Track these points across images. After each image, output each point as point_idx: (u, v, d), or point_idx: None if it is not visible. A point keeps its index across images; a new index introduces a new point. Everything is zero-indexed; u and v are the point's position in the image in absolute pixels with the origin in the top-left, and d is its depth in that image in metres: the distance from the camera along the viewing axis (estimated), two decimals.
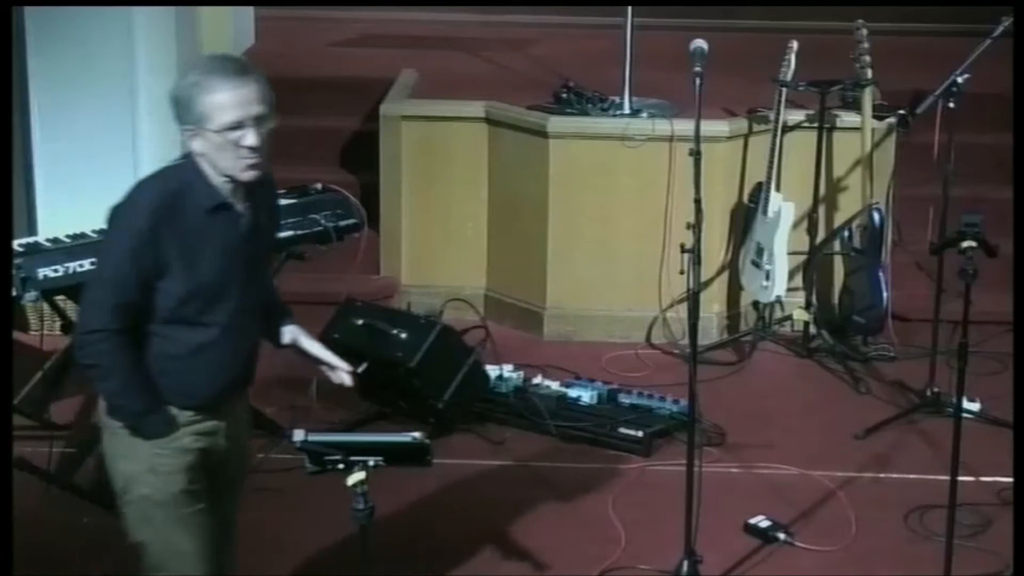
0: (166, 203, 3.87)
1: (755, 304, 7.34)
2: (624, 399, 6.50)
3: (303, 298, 6.70)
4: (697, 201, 5.12)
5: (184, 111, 3.87)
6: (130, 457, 3.99)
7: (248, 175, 3.87)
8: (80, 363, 3.96)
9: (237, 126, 3.81)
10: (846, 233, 7.08)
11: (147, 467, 3.98)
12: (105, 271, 3.92)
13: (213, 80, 3.82)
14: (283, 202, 5.96)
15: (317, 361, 4.26)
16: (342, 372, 4.23)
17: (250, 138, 3.82)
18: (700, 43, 5.33)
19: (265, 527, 5.53)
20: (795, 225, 7.13)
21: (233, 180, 3.88)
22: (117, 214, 3.93)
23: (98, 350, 3.88)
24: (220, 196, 3.90)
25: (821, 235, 7.21)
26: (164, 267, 3.86)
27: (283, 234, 5.89)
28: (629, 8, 7.31)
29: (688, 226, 5.07)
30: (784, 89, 6.96)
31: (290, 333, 4.24)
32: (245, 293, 3.98)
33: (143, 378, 3.94)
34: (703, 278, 5.55)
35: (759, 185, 7.09)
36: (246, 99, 3.82)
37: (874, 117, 7.04)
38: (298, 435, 3.75)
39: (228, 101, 3.81)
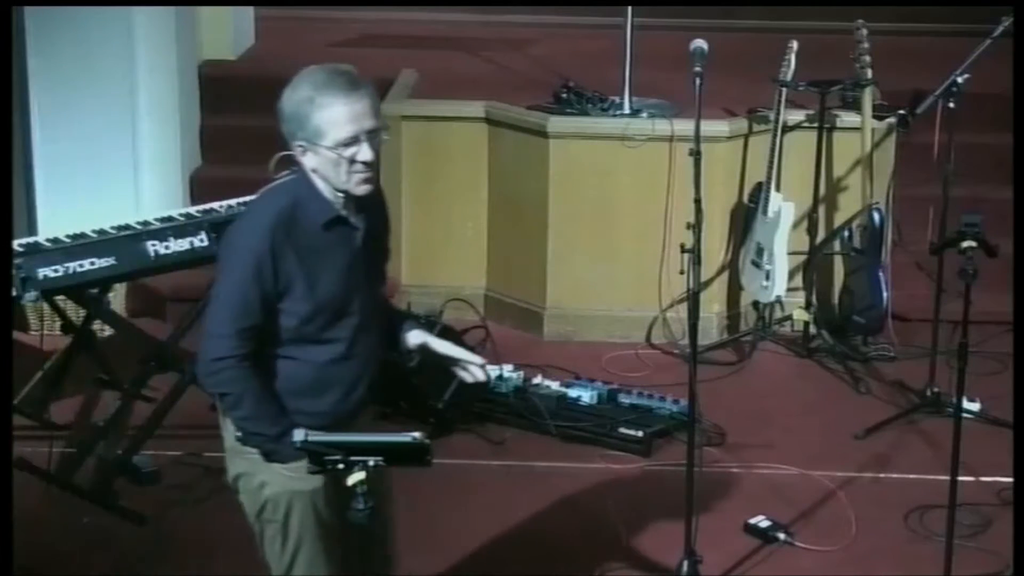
0: (283, 221, 3.80)
1: (755, 304, 7.34)
2: (624, 399, 6.50)
3: None
4: (697, 201, 5.12)
5: (297, 127, 3.80)
6: (271, 483, 3.96)
7: (362, 189, 3.82)
8: (209, 391, 3.91)
9: (352, 142, 3.75)
10: (846, 233, 7.08)
11: (287, 490, 3.95)
12: (227, 296, 3.83)
13: (326, 95, 3.74)
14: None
15: (450, 361, 4.12)
16: (475, 368, 4.10)
17: (365, 153, 3.77)
18: (700, 43, 5.33)
19: None
20: (795, 225, 7.13)
21: (347, 195, 3.83)
22: (235, 237, 3.86)
23: (227, 378, 3.83)
24: (334, 210, 3.85)
25: (821, 235, 7.21)
26: (286, 287, 3.81)
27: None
28: (629, 8, 7.31)
29: (688, 226, 5.07)
30: (784, 89, 6.96)
31: (416, 336, 4.11)
32: (365, 307, 3.92)
33: (273, 401, 3.89)
34: (703, 278, 5.55)
35: (759, 185, 7.09)
36: (359, 114, 3.75)
37: (874, 117, 7.04)
38: (298, 435, 3.74)
39: (342, 117, 3.74)
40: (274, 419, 3.90)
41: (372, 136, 3.77)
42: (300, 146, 3.81)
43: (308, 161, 3.81)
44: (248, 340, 3.82)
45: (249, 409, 3.89)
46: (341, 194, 3.84)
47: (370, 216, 3.93)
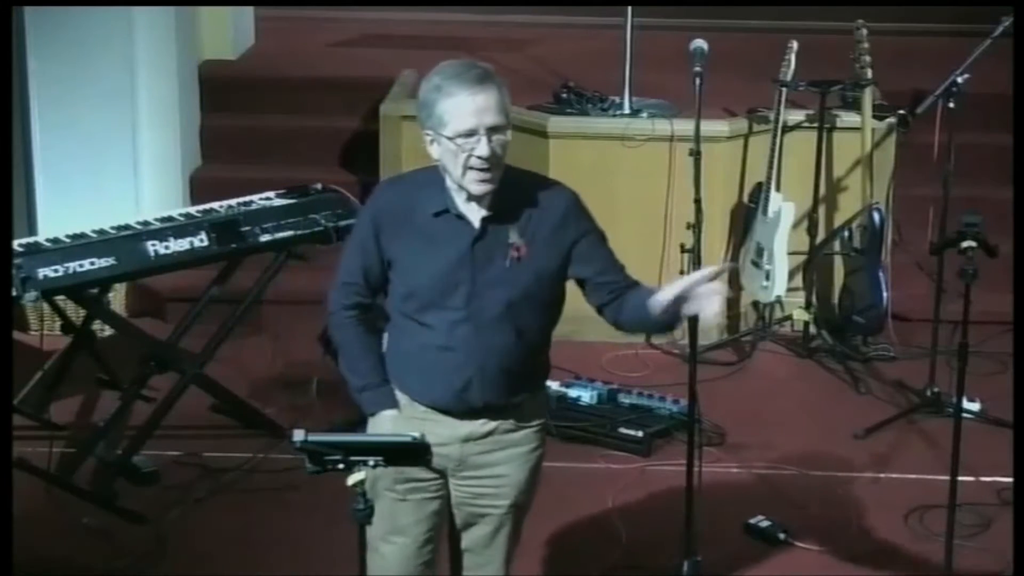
0: (396, 201, 3.94)
1: (755, 304, 7.34)
2: (624, 399, 6.50)
3: (303, 298, 6.73)
4: (697, 201, 5.13)
5: (425, 115, 3.85)
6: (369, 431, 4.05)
7: (478, 188, 3.82)
8: None
9: (470, 134, 3.78)
10: (846, 233, 7.07)
11: None
12: (344, 252, 4.07)
13: (452, 85, 3.78)
14: (283, 202, 5.97)
15: (683, 299, 3.88)
16: (711, 299, 3.86)
17: (482, 148, 3.78)
18: (700, 43, 5.34)
19: (265, 527, 5.54)
20: (795, 225, 7.13)
21: (465, 190, 3.84)
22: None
23: (332, 323, 4.07)
24: (448, 202, 3.88)
25: (821, 235, 7.20)
26: (389, 261, 3.94)
27: (283, 234, 5.90)
28: (629, 8, 7.30)
29: (688, 226, 5.08)
30: (784, 89, 6.96)
31: (658, 301, 3.89)
32: (471, 306, 3.89)
33: (367, 356, 4.03)
34: None
35: (759, 185, 7.09)
36: (482, 107, 3.78)
37: (874, 117, 7.04)
38: (298, 435, 3.74)
39: (464, 108, 3.77)
40: (361, 373, 4.04)
41: (493, 133, 3.80)
42: (427, 134, 3.87)
43: (433, 151, 3.87)
44: (354, 295, 4.01)
45: (344, 357, 4.08)
46: (460, 188, 3.86)
47: (516, 222, 3.89)
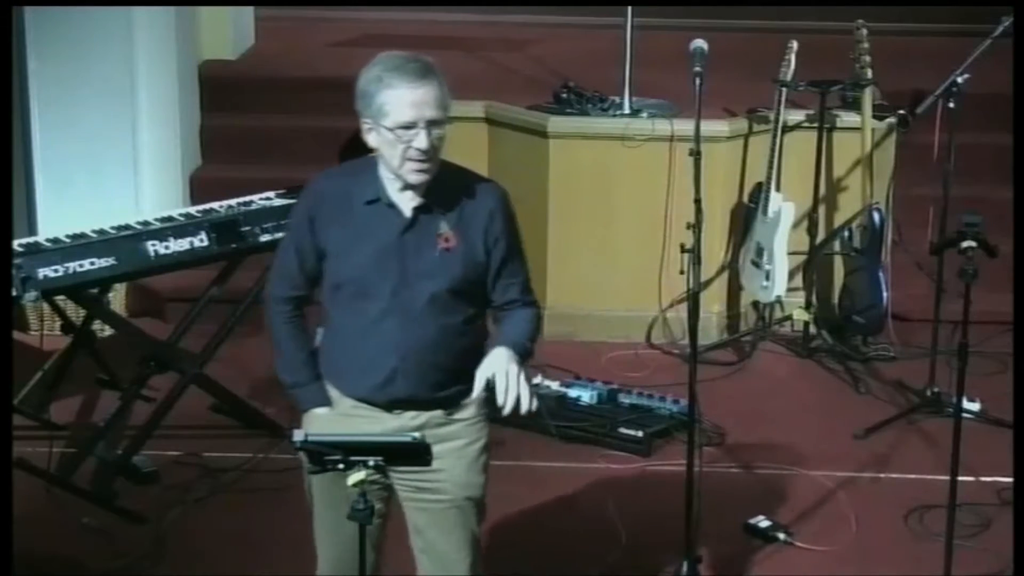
0: (331, 190, 4.00)
1: (755, 304, 7.34)
2: (624, 399, 6.50)
3: None
4: (697, 201, 5.12)
5: (364, 104, 3.88)
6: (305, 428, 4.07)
7: (415, 177, 3.87)
8: None
9: (409, 126, 3.81)
10: (846, 233, 7.08)
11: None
12: (280, 244, 4.17)
13: (394, 77, 3.82)
14: (283, 202, 5.96)
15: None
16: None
17: (420, 140, 3.82)
18: (700, 43, 5.33)
19: (265, 527, 5.54)
20: (795, 225, 7.13)
21: (402, 181, 3.89)
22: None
23: (268, 314, 4.13)
24: (380, 190, 3.93)
25: (821, 235, 7.20)
26: (323, 252, 3.98)
27: (283, 234, 5.88)
28: (629, 8, 7.30)
29: (688, 226, 5.07)
30: (784, 89, 6.96)
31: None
32: (398, 297, 3.93)
33: (299, 353, 4.09)
34: (703, 278, 5.55)
35: (759, 185, 7.09)
36: (422, 101, 3.81)
37: (874, 117, 7.04)
38: (298, 435, 3.75)
39: (404, 100, 3.81)
40: (293, 369, 4.11)
41: (432, 126, 3.83)
42: (366, 123, 3.90)
43: (371, 140, 3.90)
44: (290, 287, 4.07)
45: (276, 350, 4.14)
46: (397, 179, 3.90)
47: (446, 213, 3.93)
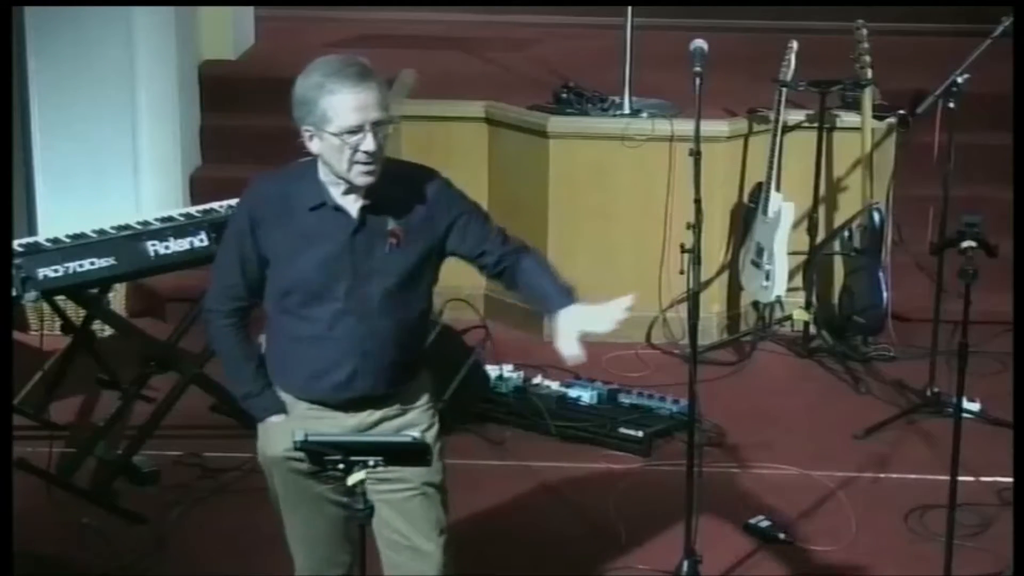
0: (271, 198, 3.99)
1: (755, 304, 7.34)
2: (624, 399, 6.50)
3: None
4: (697, 201, 5.12)
5: (306, 112, 3.86)
6: (259, 445, 4.13)
7: (363, 180, 3.87)
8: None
9: (356, 130, 3.81)
10: (846, 233, 7.07)
11: (262, 453, 4.14)
12: (219, 254, 4.13)
13: (334, 83, 3.81)
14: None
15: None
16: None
17: (368, 143, 3.82)
18: (700, 43, 5.33)
19: (265, 527, 5.53)
20: (795, 225, 7.13)
21: (348, 183, 3.89)
22: (237, 202, 4.10)
23: (211, 330, 4.12)
24: (324, 195, 3.92)
25: (821, 235, 7.20)
26: (265, 259, 3.96)
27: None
28: (629, 8, 7.30)
29: (688, 226, 5.08)
30: (784, 89, 6.96)
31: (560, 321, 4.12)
32: (353, 297, 3.94)
33: (248, 363, 4.09)
34: (703, 278, 5.55)
35: (759, 185, 7.09)
36: (366, 104, 3.82)
37: (874, 117, 7.04)
38: (298, 435, 3.75)
39: (349, 105, 3.81)
40: (244, 380, 4.11)
41: (377, 128, 3.84)
42: (307, 131, 3.88)
43: (314, 146, 3.89)
44: (229, 298, 4.05)
45: (225, 363, 4.17)
46: (343, 181, 3.89)
47: (390, 210, 3.94)
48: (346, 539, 4.17)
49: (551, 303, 4.14)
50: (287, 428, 4.00)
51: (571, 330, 4.10)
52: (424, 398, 4.15)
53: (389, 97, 3.91)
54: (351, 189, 3.92)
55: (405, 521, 4.12)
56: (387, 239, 3.95)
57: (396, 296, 3.99)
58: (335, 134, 3.82)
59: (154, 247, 5.62)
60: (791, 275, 7.17)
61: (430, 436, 4.12)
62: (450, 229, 4.04)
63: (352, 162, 3.85)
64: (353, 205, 3.94)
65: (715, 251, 7.24)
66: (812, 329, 7.13)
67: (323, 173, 3.93)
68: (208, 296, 4.11)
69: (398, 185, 3.97)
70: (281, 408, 4.08)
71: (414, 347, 4.09)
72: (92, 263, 5.49)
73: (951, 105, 6.31)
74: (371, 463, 3.70)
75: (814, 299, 7.19)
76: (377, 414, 4.06)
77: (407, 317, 4.03)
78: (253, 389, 4.10)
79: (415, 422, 4.11)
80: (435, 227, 4.02)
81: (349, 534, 4.14)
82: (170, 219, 5.78)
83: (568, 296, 4.13)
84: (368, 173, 3.87)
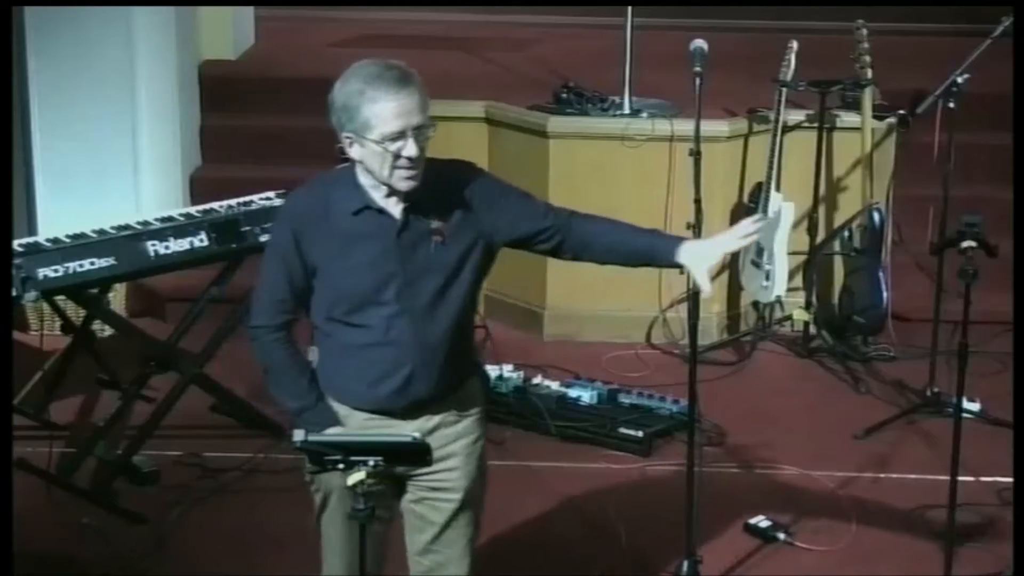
0: (311, 206, 3.93)
1: (755, 304, 7.34)
2: (624, 399, 6.50)
3: None
4: (697, 201, 5.13)
5: (346, 119, 3.84)
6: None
7: (405, 185, 3.84)
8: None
9: (398, 137, 3.79)
10: (846, 233, 7.07)
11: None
12: (262, 270, 4.03)
13: (375, 89, 3.78)
14: (283, 202, 5.96)
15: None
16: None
17: (410, 149, 3.79)
18: (700, 43, 5.33)
19: (265, 527, 5.54)
20: (795, 225, 7.13)
21: (390, 188, 3.86)
22: (275, 215, 4.05)
23: (258, 346, 4.02)
24: (366, 199, 3.89)
25: (821, 235, 7.20)
26: (313, 269, 3.92)
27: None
28: (629, 8, 7.30)
29: (688, 226, 5.08)
30: (784, 89, 6.96)
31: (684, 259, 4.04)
32: (404, 298, 3.90)
33: (301, 376, 4.01)
34: None
35: (759, 185, 7.09)
36: (408, 110, 3.79)
37: (874, 117, 7.04)
38: (298, 435, 3.74)
39: (391, 112, 3.77)
40: (296, 394, 4.02)
41: (419, 132, 3.81)
42: (347, 137, 3.86)
43: (354, 152, 3.87)
44: (277, 312, 3.99)
45: (274, 379, 4.05)
46: (384, 186, 3.87)
47: (432, 209, 3.91)
48: (378, 555, 4.12)
49: (659, 251, 4.08)
50: None
51: (702, 265, 4.02)
52: (476, 407, 4.12)
53: (428, 99, 3.86)
54: (393, 192, 3.88)
55: (452, 530, 4.11)
56: (432, 238, 3.92)
57: (446, 294, 3.95)
58: (377, 141, 3.79)
59: (154, 247, 5.62)
60: (791, 275, 7.17)
61: (480, 446, 4.11)
62: (496, 217, 3.99)
63: (394, 168, 3.81)
64: (395, 207, 3.90)
65: None
66: (812, 329, 7.13)
67: (363, 177, 3.89)
68: (254, 314, 4.02)
69: (438, 182, 3.93)
70: (336, 421, 4.00)
71: (465, 345, 4.06)
72: (92, 263, 5.49)
73: (951, 105, 6.31)
74: (371, 463, 3.70)
75: (814, 299, 7.19)
76: (435, 419, 4.01)
77: (458, 314, 3.98)
78: (307, 403, 4.01)
79: (469, 431, 4.08)
80: (479, 218, 3.97)
81: (380, 550, 4.13)
82: (170, 219, 5.78)
83: (670, 237, 4.08)
84: (410, 178, 3.83)
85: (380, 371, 3.94)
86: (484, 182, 4.03)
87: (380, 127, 3.78)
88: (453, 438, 4.04)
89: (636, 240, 4.14)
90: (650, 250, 4.11)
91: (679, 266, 4.07)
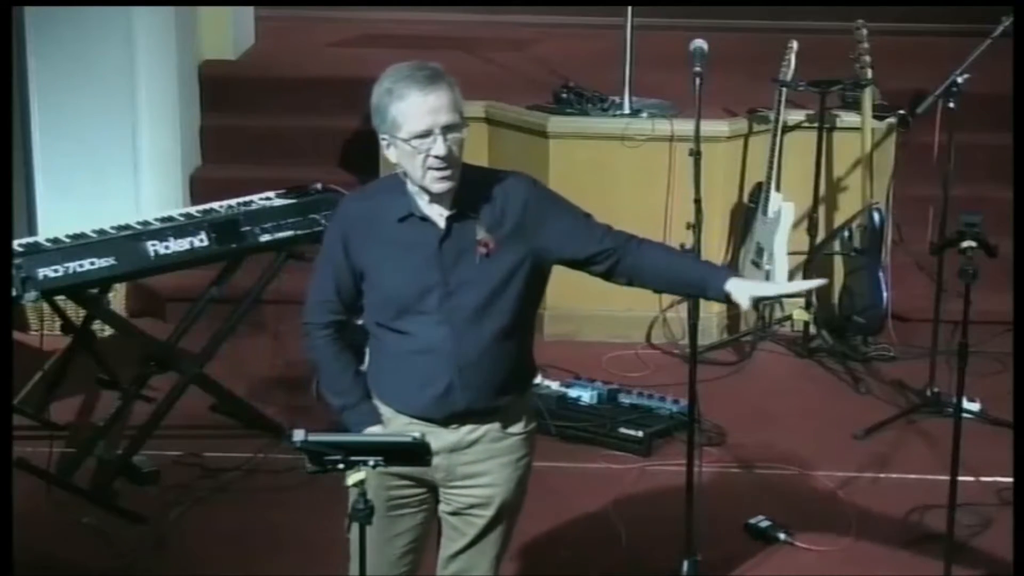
0: (361, 212, 3.95)
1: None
2: (624, 399, 6.50)
3: (303, 298, 6.70)
4: (697, 201, 5.13)
5: (379, 119, 3.85)
6: None
7: (438, 187, 3.82)
8: None
9: (425, 134, 3.77)
10: (846, 233, 7.08)
11: None
12: (315, 269, 4.08)
13: (403, 87, 3.78)
14: (283, 202, 5.96)
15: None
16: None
17: (438, 147, 3.78)
18: (700, 43, 5.34)
19: (265, 527, 5.54)
20: (795, 225, 7.13)
21: (427, 191, 3.84)
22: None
23: (308, 343, 4.07)
24: (410, 206, 3.87)
25: (821, 235, 7.21)
26: (360, 273, 3.94)
27: (283, 234, 5.89)
28: (629, 8, 7.30)
29: (688, 226, 5.08)
30: (784, 89, 6.96)
31: (735, 287, 3.97)
32: (445, 308, 3.88)
33: (345, 374, 4.04)
34: None
35: (759, 185, 7.09)
36: (434, 107, 3.77)
37: (874, 117, 7.04)
38: (298, 435, 3.74)
39: (416, 109, 3.77)
40: (340, 392, 4.05)
41: (448, 131, 3.79)
42: (384, 139, 3.87)
43: (391, 155, 3.87)
44: (329, 312, 4.02)
45: (322, 375, 4.09)
46: (423, 190, 3.85)
47: (482, 218, 3.88)
48: (409, 553, 4.12)
49: (711, 283, 4.01)
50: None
51: (746, 295, 3.97)
52: (522, 423, 4.06)
53: (462, 101, 3.85)
54: (435, 198, 3.86)
55: (481, 545, 4.09)
56: (476, 248, 3.89)
57: (490, 307, 3.91)
58: (405, 140, 3.78)
59: (154, 247, 5.62)
60: (791, 275, 7.16)
61: (523, 465, 4.08)
62: (548, 234, 3.95)
63: (426, 168, 3.80)
64: (440, 215, 3.89)
65: (715, 251, 7.23)
66: (812, 329, 7.13)
67: (410, 184, 3.88)
68: (305, 310, 4.06)
69: (486, 193, 3.92)
70: (377, 420, 4.00)
71: (514, 360, 4.00)
72: (92, 263, 5.48)
73: (951, 105, 6.31)
74: (371, 463, 3.70)
75: (814, 299, 7.19)
76: (478, 432, 3.98)
77: (504, 329, 3.93)
78: (350, 401, 4.02)
79: (513, 450, 4.04)
80: (528, 233, 3.93)
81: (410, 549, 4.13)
82: (170, 219, 5.78)
83: (720, 268, 4.06)
84: (443, 179, 3.81)
85: (421, 378, 3.93)
86: (540, 196, 3.99)
87: (407, 125, 3.78)
88: (493, 454, 4.01)
89: (690, 271, 4.11)
90: (702, 282, 4.06)
91: (727, 299, 4.01)
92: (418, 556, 4.17)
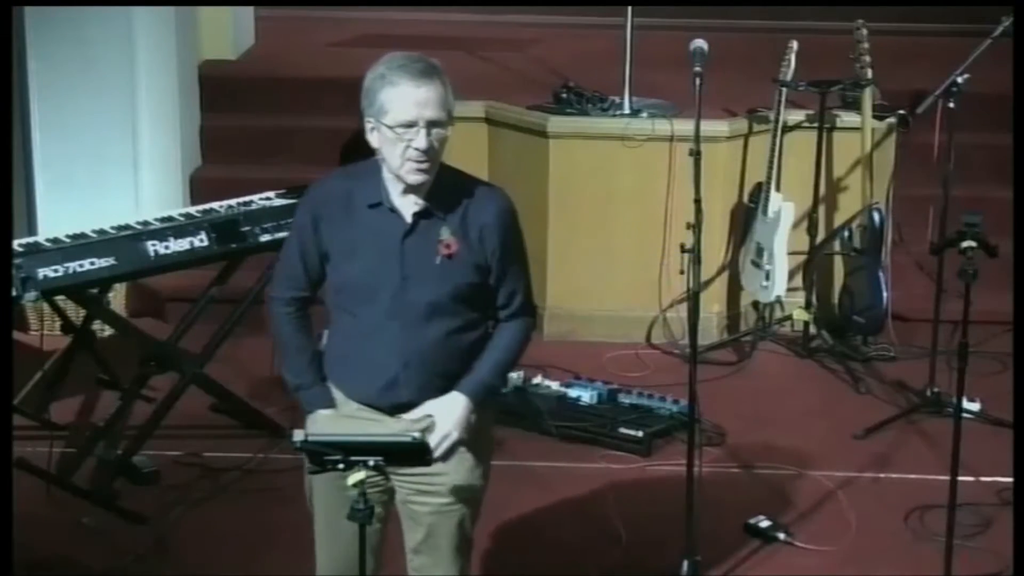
0: (334, 195, 3.97)
1: (755, 304, 7.34)
2: (624, 399, 6.50)
3: None
4: (697, 201, 5.12)
5: (367, 102, 3.87)
6: (307, 428, 4.04)
7: (413, 178, 3.86)
8: None
9: (409, 125, 3.80)
10: (846, 233, 7.08)
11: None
12: (283, 247, 4.15)
13: (396, 75, 3.82)
14: (283, 202, 5.96)
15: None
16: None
17: (420, 140, 3.81)
18: (700, 43, 5.33)
19: (265, 527, 5.54)
20: (795, 225, 7.13)
21: (402, 181, 3.88)
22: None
23: (271, 314, 4.11)
24: (382, 195, 3.91)
25: (821, 235, 7.21)
26: (325, 253, 3.98)
27: (283, 234, 5.88)
28: (629, 8, 7.30)
29: (688, 226, 5.08)
30: (784, 89, 6.96)
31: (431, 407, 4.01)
32: (397, 303, 3.91)
33: (302, 353, 4.08)
34: (703, 278, 5.54)
35: (759, 185, 7.09)
36: (423, 100, 3.80)
37: (874, 117, 7.04)
38: (298, 435, 3.75)
39: (405, 98, 3.80)
40: (296, 371, 4.09)
41: (432, 126, 3.82)
42: (369, 122, 3.89)
43: (373, 139, 3.90)
44: (293, 287, 4.07)
45: (281, 351, 4.12)
46: (398, 179, 3.88)
47: (447, 218, 3.91)
48: (372, 546, 4.10)
49: (470, 372, 4.02)
50: (334, 423, 3.99)
51: (436, 408, 4.00)
52: (476, 417, 4.04)
53: (452, 100, 3.86)
54: (408, 189, 3.90)
55: (437, 535, 4.09)
56: (438, 248, 3.91)
57: (442, 307, 3.94)
58: (390, 126, 3.81)
59: (154, 247, 5.62)
60: (791, 275, 7.17)
61: (471, 457, 4.05)
62: (488, 258, 3.97)
63: (404, 158, 3.83)
64: (409, 208, 3.91)
65: (715, 251, 7.24)
66: (812, 329, 7.13)
67: (385, 171, 3.92)
68: (272, 283, 4.16)
69: (460, 197, 3.94)
70: (331, 403, 4.05)
71: (462, 358, 4.01)
72: (92, 263, 5.48)
73: (951, 105, 6.31)
74: (371, 463, 3.70)
75: (814, 299, 7.19)
76: (425, 421, 3.98)
77: (454, 328, 3.96)
78: (304, 381, 4.08)
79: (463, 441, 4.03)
80: (484, 250, 3.96)
81: (377, 540, 4.13)
82: (170, 219, 5.78)
83: (474, 386, 4.00)
84: (419, 171, 3.85)
85: (369, 367, 3.97)
86: (506, 221, 3.99)
87: (394, 112, 3.81)
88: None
89: (478, 363, 4.04)
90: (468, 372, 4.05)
91: None
92: (380, 539, 4.16)
